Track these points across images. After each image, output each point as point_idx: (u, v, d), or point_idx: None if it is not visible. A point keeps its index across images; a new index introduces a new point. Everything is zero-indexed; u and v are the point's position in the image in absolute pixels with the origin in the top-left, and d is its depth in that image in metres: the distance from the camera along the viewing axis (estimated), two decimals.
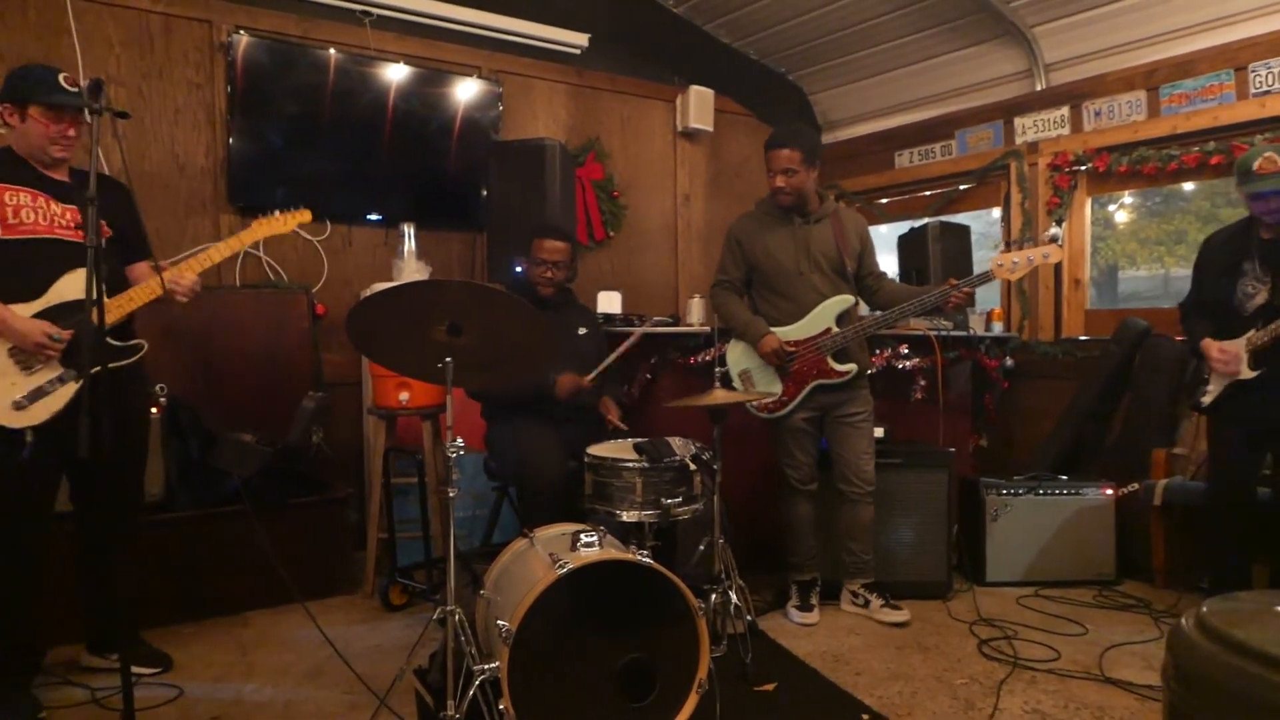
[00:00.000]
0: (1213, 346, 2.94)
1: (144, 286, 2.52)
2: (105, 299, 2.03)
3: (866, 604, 3.27)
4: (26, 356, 2.35)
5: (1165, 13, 3.92)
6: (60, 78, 2.40)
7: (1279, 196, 2.76)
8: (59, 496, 2.56)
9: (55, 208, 2.45)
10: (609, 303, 3.93)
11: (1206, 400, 2.98)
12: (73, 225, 2.46)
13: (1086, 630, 3.12)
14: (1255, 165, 2.76)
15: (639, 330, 3.26)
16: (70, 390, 2.37)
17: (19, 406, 2.32)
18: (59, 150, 2.45)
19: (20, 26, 3.54)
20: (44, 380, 2.36)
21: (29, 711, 2.40)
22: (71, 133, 2.46)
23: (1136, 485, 3.66)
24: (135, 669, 2.55)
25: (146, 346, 2.58)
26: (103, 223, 2.24)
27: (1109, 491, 3.66)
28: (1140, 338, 4.00)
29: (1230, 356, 2.89)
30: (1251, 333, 2.84)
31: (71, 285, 2.42)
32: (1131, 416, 4.02)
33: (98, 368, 1.96)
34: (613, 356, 3.16)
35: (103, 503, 2.53)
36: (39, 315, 2.37)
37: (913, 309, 3.12)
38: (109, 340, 2.39)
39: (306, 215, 2.88)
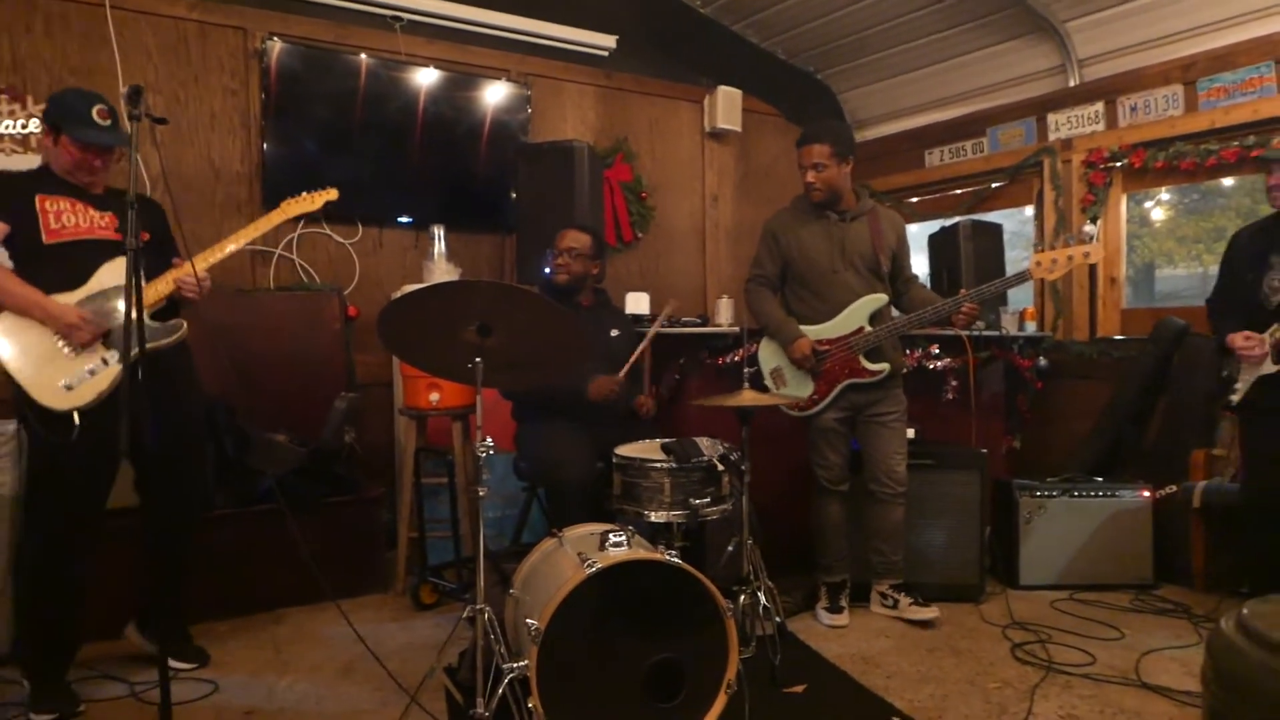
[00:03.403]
0: (1238, 336, 2.88)
1: (158, 280, 2.57)
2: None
3: (895, 604, 3.25)
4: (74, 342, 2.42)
5: (1203, 5, 3.84)
6: (94, 111, 2.47)
7: None
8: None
9: (94, 213, 2.56)
10: (637, 304, 3.93)
11: (1236, 398, 2.93)
12: (111, 228, 2.56)
13: (1123, 635, 3.07)
14: (1276, 140, 2.77)
15: (656, 325, 3.20)
16: (115, 372, 2.43)
17: (68, 388, 2.39)
18: (84, 177, 2.55)
19: (64, 36, 3.62)
20: (92, 363, 2.43)
21: (68, 704, 2.45)
22: (97, 163, 2.54)
23: (1175, 487, 3.58)
24: (173, 664, 2.61)
25: (185, 326, 2.63)
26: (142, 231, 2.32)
27: (1146, 494, 3.59)
28: (1178, 337, 3.93)
29: (1255, 343, 2.84)
30: (1275, 326, 2.79)
31: (110, 274, 2.50)
32: (1169, 417, 3.94)
33: (135, 355, 2.01)
34: (638, 350, 3.14)
35: (162, 494, 2.59)
36: (80, 303, 2.45)
37: (928, 317, 3.11)
38: (148, 321, 2.46)
39: (333, 193, 2.93)
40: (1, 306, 2.40)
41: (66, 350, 2.42)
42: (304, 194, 2.89)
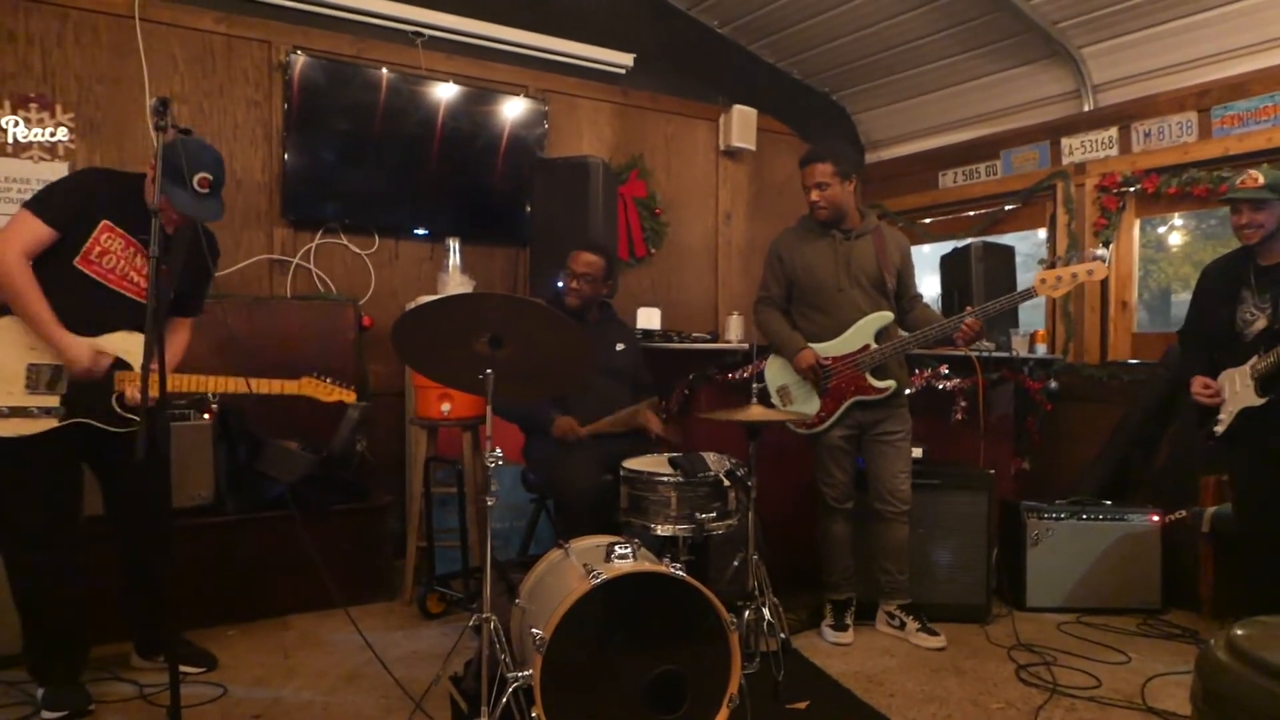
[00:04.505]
0: (1196, 382, 2.96)
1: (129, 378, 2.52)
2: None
3: (902, 626, 3.24)
4: (37, 378, 2.41)
5: (1217, 34, 3.87)
6: (196, 179, 2.40)
7: (1249, 208, 2.81)
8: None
9: (139, 263, 2.52)
10: (648, 319, 3.96)
11: (1220, 429, 2.94)
12: (143, 287, 2.48)
13: (1129, 659, 3.06)
14: (1240, 179, 2.86)
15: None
16: (47, 424, 2.41)
17: None
18: (163, 219, 2.45)
19: (93, 45, 3.71)
20: (34, 404, 2.41)
21: (80, 703, 2.49)
22: (175, 216, 2.48)
23: (1184, 512, 3.57)
24: (181, 667, 2.63)
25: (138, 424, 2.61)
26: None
27: (1155, 518, 3.58)
28: None
29: (1214, 390, 2.91)
30: (1255, 359, 2.82)
31: (120, 345, 2.49)
32: (1179, 442, 3.93)
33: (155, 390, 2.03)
34: (608, 421, 3.12)
35: (130, 508, 2.62)
36: None
37: (933, 334, 3.12)
38: (117, 409, 2.49)
39: (351, 396, 2.88)
40: (11, 310, 2.39)
41: (26, 384, 2.40)
42: (329, 383, 2.84)
